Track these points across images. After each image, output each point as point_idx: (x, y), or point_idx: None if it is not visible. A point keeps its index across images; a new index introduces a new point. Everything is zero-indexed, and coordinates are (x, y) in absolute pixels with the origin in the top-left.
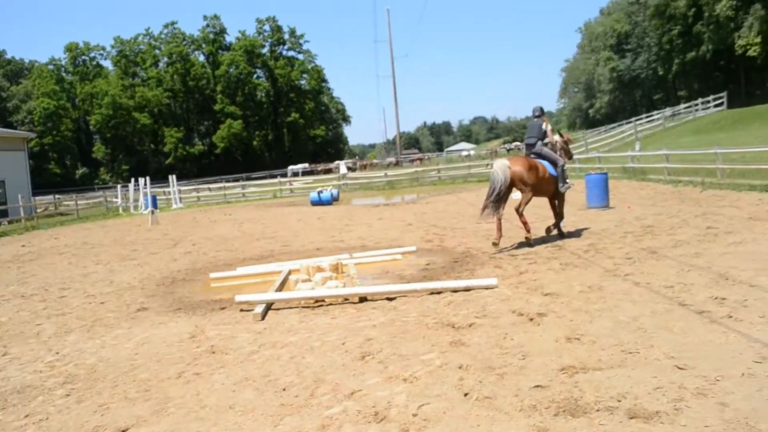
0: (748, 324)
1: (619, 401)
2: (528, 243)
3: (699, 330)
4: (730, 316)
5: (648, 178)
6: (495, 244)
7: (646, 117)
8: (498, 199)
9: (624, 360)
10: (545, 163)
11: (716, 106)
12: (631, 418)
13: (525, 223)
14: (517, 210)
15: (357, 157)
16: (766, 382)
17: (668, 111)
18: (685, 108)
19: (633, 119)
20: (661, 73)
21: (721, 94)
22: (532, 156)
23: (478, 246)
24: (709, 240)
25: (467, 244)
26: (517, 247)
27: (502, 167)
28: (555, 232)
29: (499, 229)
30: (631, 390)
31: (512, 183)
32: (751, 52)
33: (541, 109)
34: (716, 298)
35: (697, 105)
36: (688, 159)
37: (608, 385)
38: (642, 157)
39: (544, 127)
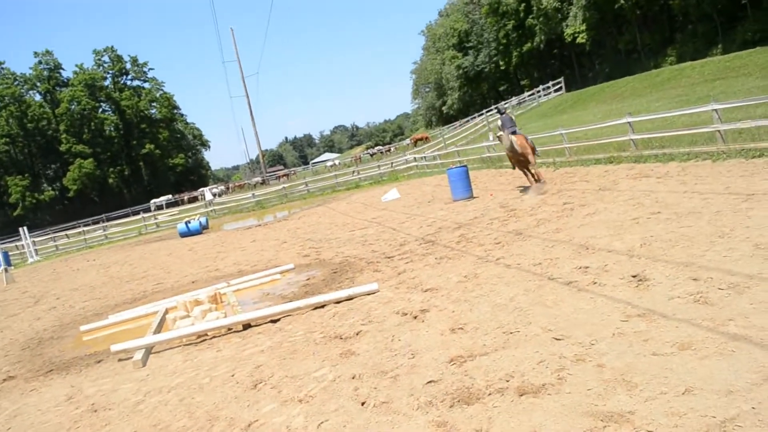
0: (610, 287)
1: (507, 381)
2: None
3: (569, 300)
4: (595, 282)
5: (505, 165)
6: (528, 187)
7: (495, 108)
8: (523, 161)
9: (506, 341)
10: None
11: (556, 91)
12: (521, 395)
13: (539, 174)
14: (531, 171)
15: (227, 182)
16: (634, 338)
17: (514, 100)
18: (528, 96)
19: (484, 111)
20: (502, 65)
21: (558, 80)
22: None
23: (354, 253)
24: (567, 215)
25: (344, 253)
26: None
27: (518, 140)
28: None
29: (527, 177)
30: (517, 368)
31: (524, 151)
32: (579, 39)
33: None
34: (580, 267)
35: (539, 91)
36: (538, 142)
37: (495, 367)
38: (496, 146)
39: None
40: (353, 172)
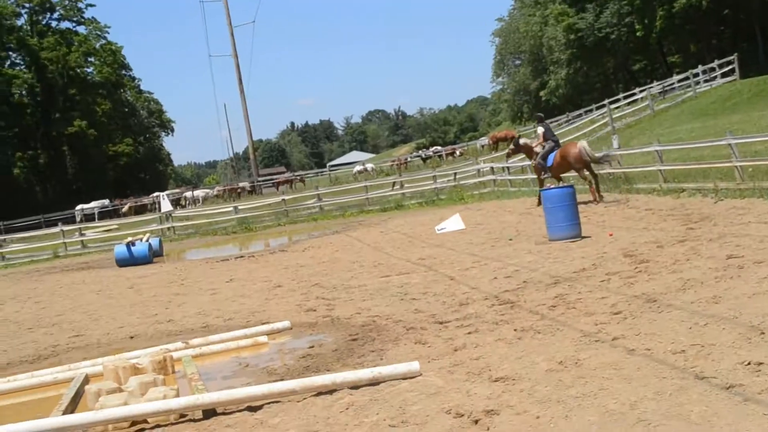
0: None
1: None
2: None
3: (728, 415)
4: None
5: (636, 189)
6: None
7: (625, 97)
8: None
9: None
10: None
11: (724, 75)
12: None
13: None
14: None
15: (227, 183)
16: None
17: (656, 87)
18: (679, 81)
19: (606, 102)
20: (639, 31)
21: (729, 59)
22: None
23: (387, 312)
24: (732, 276)
25: (370, 310)
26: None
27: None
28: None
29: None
30: None
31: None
32: None
33: None
34: (749, 363)
35: (697, 75)
36: (692, 156)
37: None
38: (624, 156)
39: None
40: (394, 184)
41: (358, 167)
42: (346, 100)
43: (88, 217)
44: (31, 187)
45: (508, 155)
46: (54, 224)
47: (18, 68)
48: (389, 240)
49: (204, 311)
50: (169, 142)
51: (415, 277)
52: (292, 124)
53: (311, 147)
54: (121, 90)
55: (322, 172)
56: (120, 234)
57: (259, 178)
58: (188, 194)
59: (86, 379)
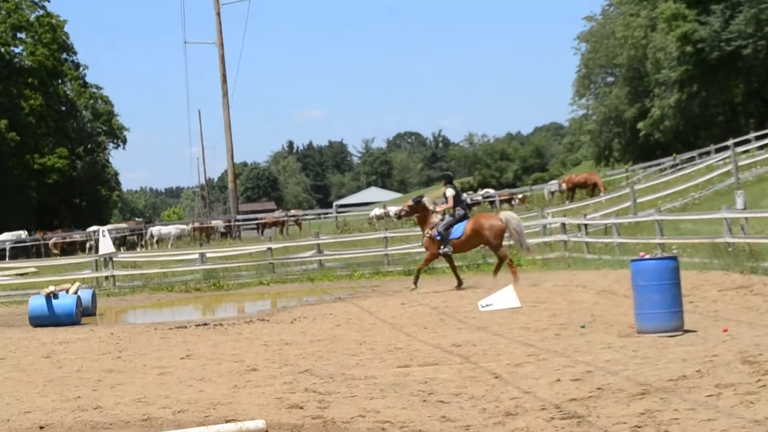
0: None
1: None
2: None
3: None
4: None
5: (765, 268)
6: None
7: (758, 138)
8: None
9: None
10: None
11: None
12: None
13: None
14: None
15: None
16: None
17: None
18: None
19: (730, 142)
20: None
21: None
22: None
23: (403, 419)
24: None
25: (380, 413)
26: None
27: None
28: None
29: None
30: None
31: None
32: None
33: None
34: None
35: None
36: None
37: None
38: (751, 221)
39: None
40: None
41: (378, 211)
42: (366, 116)
43: None
44: None
45: (399, 215)
46: None
47: None
48: (412, 315)
49: (146, 398)
50: (118, 158)
51: (446, 370)
52: (290, 144)
53: (314, 177)
54: (59, 81)
55: (326, 213)
56: (39, 280)
57: (239, 216)
58: (154, 229)
59: None
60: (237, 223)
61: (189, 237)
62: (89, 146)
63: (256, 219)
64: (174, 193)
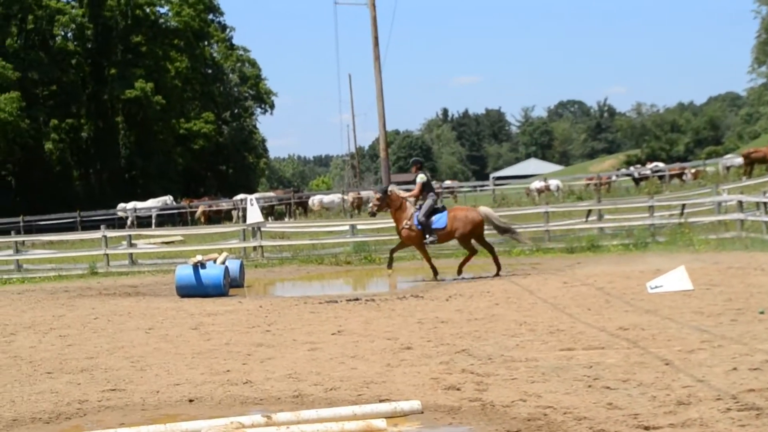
0: None
1: None
2: None
3: None
4: None
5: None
6: None
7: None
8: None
9: None
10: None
11: None
12: None
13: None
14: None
15: (349, 189)
16: None
17: None
18: None
19: None
20: None
21: None
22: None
23: (568, 404)
24: None
25: (541, 397)
26: None
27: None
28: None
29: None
30: None
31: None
32: None
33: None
34: None
35: None
36: None
37: None
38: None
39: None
40: (589, 212)
41: (538, 183)
42: (526, 83)
43: (143, 221)
44: (66, 171)
45: (372, 212)
46: (94, 226)
47: (66, 1)
48: (575, 296)
49: (297, 374)
50: (265, 124)
51: (612, 355)
52: (445, 111)
53: (470, 147)
54: (206, 42)
55: (482, 185)
56: (185, 249)
57: (391, 187)
58: (316, 198)
59: None
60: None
61: (350, 206)
62: (236, 111)
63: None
64: (323, 162)
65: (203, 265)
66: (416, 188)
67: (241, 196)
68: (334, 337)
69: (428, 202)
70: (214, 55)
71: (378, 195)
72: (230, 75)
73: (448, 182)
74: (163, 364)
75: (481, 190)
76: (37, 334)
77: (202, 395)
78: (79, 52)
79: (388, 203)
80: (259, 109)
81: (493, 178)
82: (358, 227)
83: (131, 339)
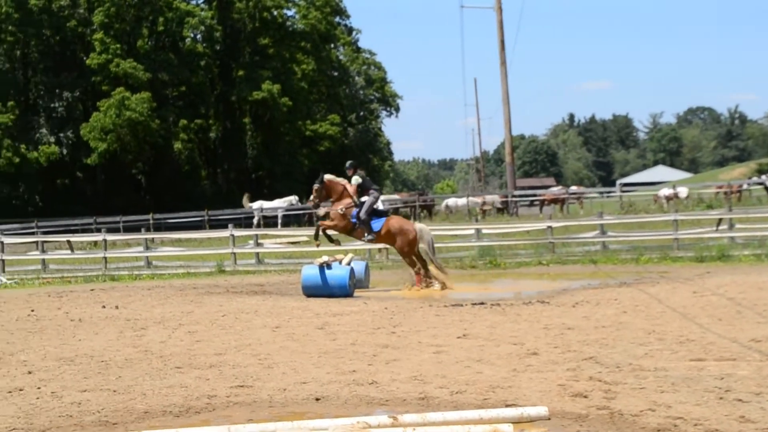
0: None
1: None
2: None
3: None
4: None
5: None
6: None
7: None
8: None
9: None
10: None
11: None
12: None
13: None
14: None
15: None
16: None
17: None
18: None
19: None
20: None
21: None
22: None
23: (697, 414)
24: None
25: (671, 407)
26: None
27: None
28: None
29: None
30: None
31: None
32: None
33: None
34: None
35: None
36: None
37: None
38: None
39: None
40: (720, 221)
41: (666, 191)
42: (654, 89)
43: (269, 221)
44: (194, 170)
45: (315, 204)
46: (221, 225)
47: (194, 2)
48: (705, 305)
49: (422, 376)
50: (390, 127)
51: (744, 367)
52: (571, 117)
53: (596, 153)
54: (332, 45)
55: (609, 192)
56: (311, 250)
57: (516, 191)
58: (450, 201)
59: None
60: (514, 198)
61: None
62: (361, 114)
63: (534, 195)
64: (447, 165)
65: (329, 266)
66: (350, 190)
67: (365, 198)
68: (459, 340)
69: (369, 199)
70: (341, 57)
71: (315, 186)
72: (356, 78)
73: (573, 188)
74: (290, 363)
75: (607, 197)
76: (166, 330)
77: (329, 394)
78: (207, 53)
79: (327, 193)
80: (384, 112)
81: (620, 184)
82: (484, 231)
83: (258, 337)
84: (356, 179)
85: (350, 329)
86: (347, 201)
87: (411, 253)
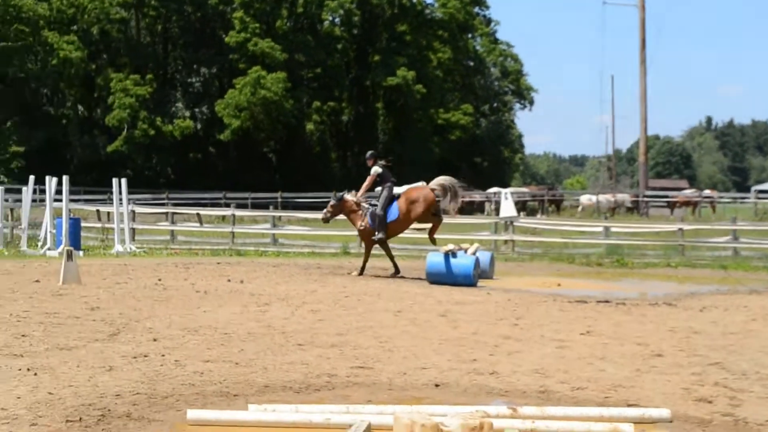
0: None
1: None
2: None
3: None
4: None
5: None
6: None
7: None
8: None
9: None
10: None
11: None
12: None
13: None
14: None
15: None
16: None
17: None
18: None
19: None
20: None
21: None
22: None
23: None
24: None
25: None
26: None
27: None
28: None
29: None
30: None
31: None
32: None
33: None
34: None
35: None
36: None
37: None
38: None
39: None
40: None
41: None
42: None
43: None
44: (325, 152)
45: (326, 218)
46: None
47: None
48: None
49: (543, 370)
50: (523, 119)
51: None
52: (709, 120)
53: (732, 158)
54: (469, 35)
55: (744, 198)
56: (435, 237)
57: (647, 192)
58: (584, 198)
59: (368, 431)
60: (645, 199)
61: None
62: (495, 105)
63: (666, 197)
64: (578, 161)
65: (454, 254)
66: (368, 180)
67: (494, 189)
68: (582, 337)
69: (384, 193)
70: (477, 48)
71: (332, 203)
72: (491, 69)
73: (707, 191)
74: (411, 347)
75: (741, 202)
76: (289, 307)
77: (448, 381)
78: (345, 37)
79: (341, 209)
80: (518, 105)
81: (756, 191)
82: (612, 230)
83: (380, 320)
84: (376, 169)
85: (472, 318)
86: (360, 212)
87: (426, 217)
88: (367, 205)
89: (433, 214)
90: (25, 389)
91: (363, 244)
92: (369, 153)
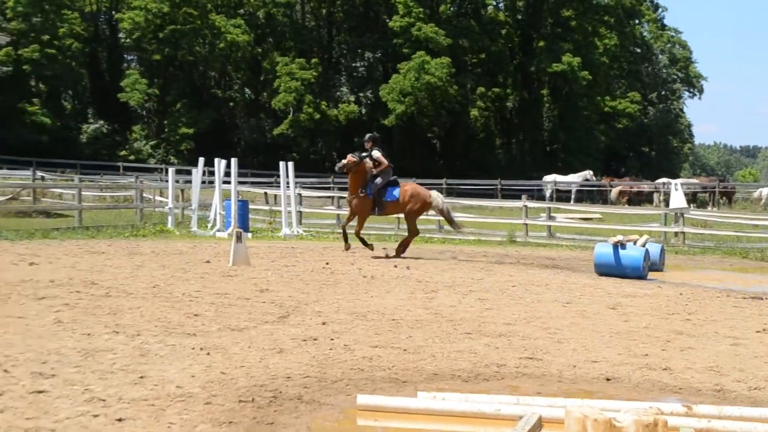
0: None
1: None
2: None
3: None
4: None
5: None
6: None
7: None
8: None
9: None
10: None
11: None
12: None
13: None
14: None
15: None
16: None
17: None
18: None
19: None
20: None
21: None
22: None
23: None
24: None
25: None
26: None
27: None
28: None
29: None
30: None
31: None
32: None
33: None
34: None
35: None
36: None
37: None
38: None
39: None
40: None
41: None
42: None
43: (561, 195)
44: (489, 138)
45: (341, 167)
46: (513, 196)
47: None
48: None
49: (719, 367)
50: (692, 108)
51: None
52: None
53: None
54: (636, 21)
55: None
56: (603, 227)
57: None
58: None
59: (539, 423)
60: None
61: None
62: (663, 93)
63: None
64: (750, 152)
65: (623, 246)
66: (384, 161)
67: (663, 179)
68: (758, 334)
69: (383, 179)
70: (644, 34)
71: (355, 159)
72: (659, 56)
73: None
74: (580, 339)
75: None
76: (457, 295)
77: (619, 376)
78: (509, 22)
79: (355, 168)
80: (687, 93)
81: None
82: None
83: (548, 310)
84: (376, 153)
85: (643, 312)
86: (364, 181)
87: (417, 217)
88: (369, 177)
89: (417, 219)
90: (199, 368)
91: (350, 211)
92: (368, 136)
